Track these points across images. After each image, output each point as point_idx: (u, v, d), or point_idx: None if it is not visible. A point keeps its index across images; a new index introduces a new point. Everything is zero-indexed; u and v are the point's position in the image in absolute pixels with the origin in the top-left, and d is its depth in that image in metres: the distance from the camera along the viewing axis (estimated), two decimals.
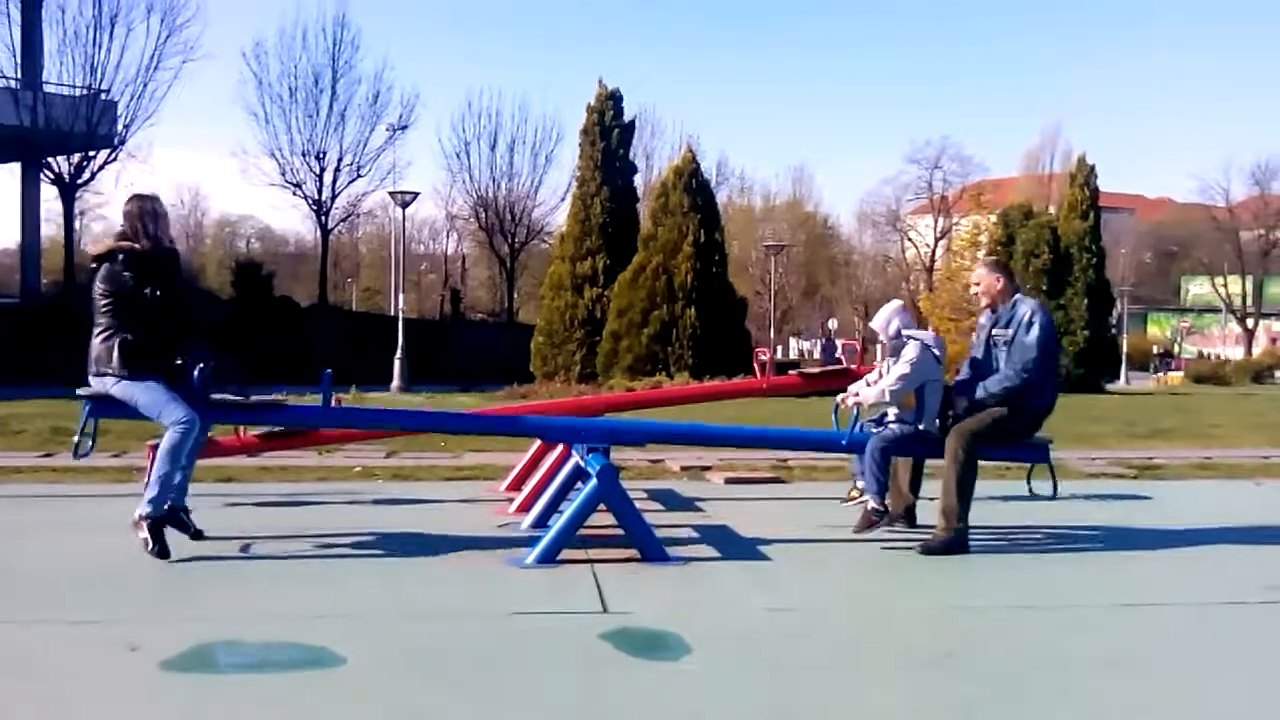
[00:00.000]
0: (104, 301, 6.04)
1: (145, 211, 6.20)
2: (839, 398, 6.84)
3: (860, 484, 6.53)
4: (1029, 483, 6.67)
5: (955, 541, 6.29)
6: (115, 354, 5.96)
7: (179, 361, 6.12)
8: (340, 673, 4.03)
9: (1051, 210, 41.06)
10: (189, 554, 6.11)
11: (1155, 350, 68.92)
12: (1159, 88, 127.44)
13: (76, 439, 6.13)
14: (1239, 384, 48.85)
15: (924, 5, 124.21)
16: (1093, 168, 36.38)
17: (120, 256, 6.06)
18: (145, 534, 5.91)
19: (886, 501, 6.59)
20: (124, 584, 5.44)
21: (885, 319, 6.78)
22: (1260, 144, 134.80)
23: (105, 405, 6.11)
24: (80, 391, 6.18)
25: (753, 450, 11.51)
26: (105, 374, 6.01)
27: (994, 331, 6.61)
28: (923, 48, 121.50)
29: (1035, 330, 6.44)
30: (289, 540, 6.56)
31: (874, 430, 6.62)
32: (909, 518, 6.92)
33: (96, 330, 6.06)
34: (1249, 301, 75.23)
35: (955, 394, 6.63)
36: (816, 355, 41.64)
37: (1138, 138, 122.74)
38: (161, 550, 5.89)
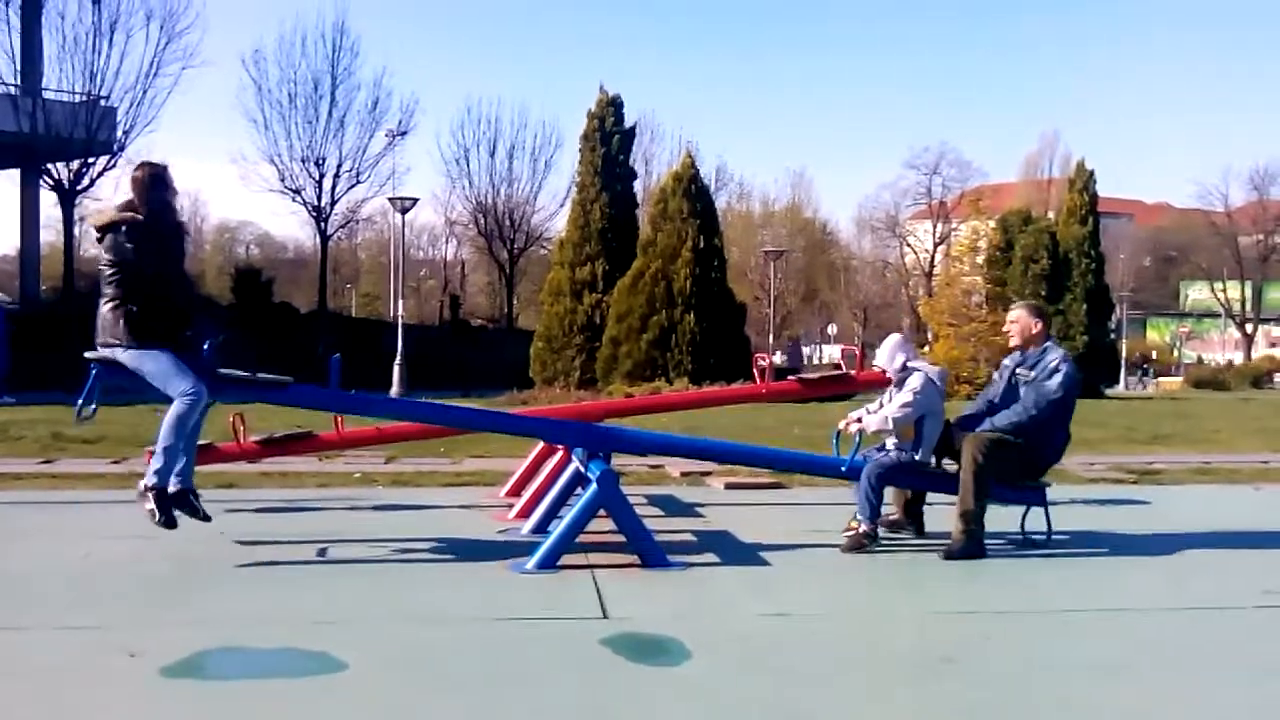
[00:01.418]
0: (109, 271, 6.05)
1: (152, 180, 6.18)
2: (840, 424, 6.88)
3: (859, 515, 6.57)
4: (1023, 529, 6.71)
5: (973, 545, 6.32)
6: (121, 323, 5.96)
7: (188, 333, 6.12)
8: (341, 678, 4.03)
9: (1050, 216, 41.11)
10: (189, 559, 6.12)
11: (1136, 356, 67.50)
12: (1158, 93, 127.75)
13: (80, 400, 6.07)
14: (1238, 389, 48.87)
15: (923, 11, 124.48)
16: (1091, 173, 36.43)
17: (123, 227, 6.05)
18: (151, 504, 5.90)
19: (881, 520, 6.70)
20: (124, 590, 5.45)
21: (890, 354, 6.85)
22: (1259, 149, 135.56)
23: (112, 370, 6.09)
24: (88, 354, 6.15)
25: None
26: (112, 343, 6.00)
27: (1018, 371, 6.69)
28: (922, 53, 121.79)
29: (1059, 377, 6.52)
30: (289, 546, 6.57)
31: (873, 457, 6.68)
32: (918, 526, 6.93)
33: (103, 299, 6.06)
34: (1248, 306, 75.26)
35: (957, 428, 6.70)
36: (777, 360, 41.59)
37: (1137, 143, 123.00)
38: (168, 520, 5.88)
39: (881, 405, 6.85)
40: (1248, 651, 4.63)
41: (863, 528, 6.47)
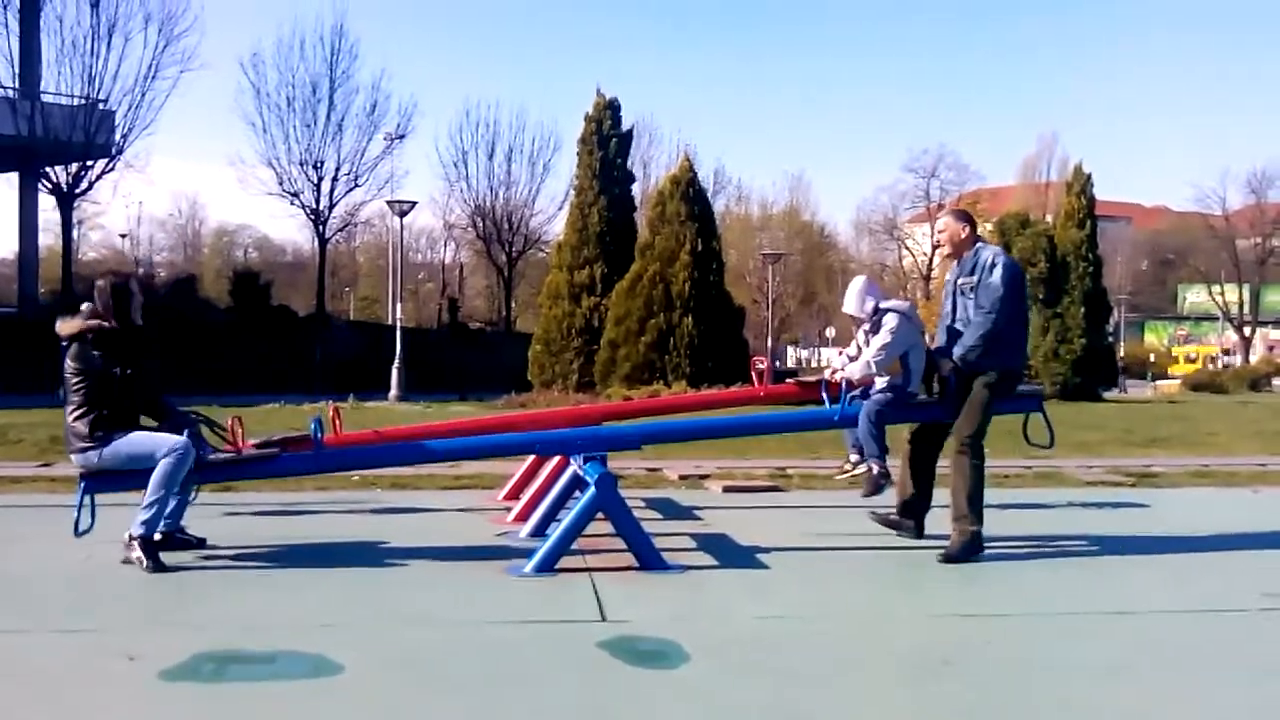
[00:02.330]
0: (75, 380, 6.11)
1: (116, 291, 6.29)
2: (826, 373, 6.91)
3: (854, 457, 6.60)
4: (1025, 434, 6.66)
5: (971, 545, 6.33)
6: (88, 427, 6.02)
7: (159, 426, 6.29)
8: (339, 681, 4.03)
9: (1048, 219, 41.14)
10: (187, 564, 6.12)
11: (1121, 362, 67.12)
12: (1155, 96, 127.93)
13: (76, 516, 6.05)
14: (1236, 392, 48.88)
15: (921, 14, 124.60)
16: (1089, 176, 36.40)
17: (89, 336, 6.12)
18: (138, 553, 5.95)
19: (880, 518, 6.78)
20: (122, 594, 5.45)
21: (858, 297, 6.87)
22: (1256, 152, 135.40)
23: (99, 481, 6.11)
24: (74, 468, 6.20)
25: (749, 452, 11.54)
26: (84, 448, 6.05)
27: (959, 281, 6.62)
28: (920, 56, 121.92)
29: (999, 270, 6.41)
30: (287, 549, 6.57)
31: (864, 400, 6.70)
32: (919, 528, 6.92)
33: (69, 409, 6.11)
34: (1246, 309, 75.33)
35: (938, 357, 6.66)
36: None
37: (1134, 146, 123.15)
38: (156, 565, 5.93)
39: (860, 350, 6.85)
40: (1247, 653, 4.63)
41: (875, 469, 6.47)
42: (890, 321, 6.63)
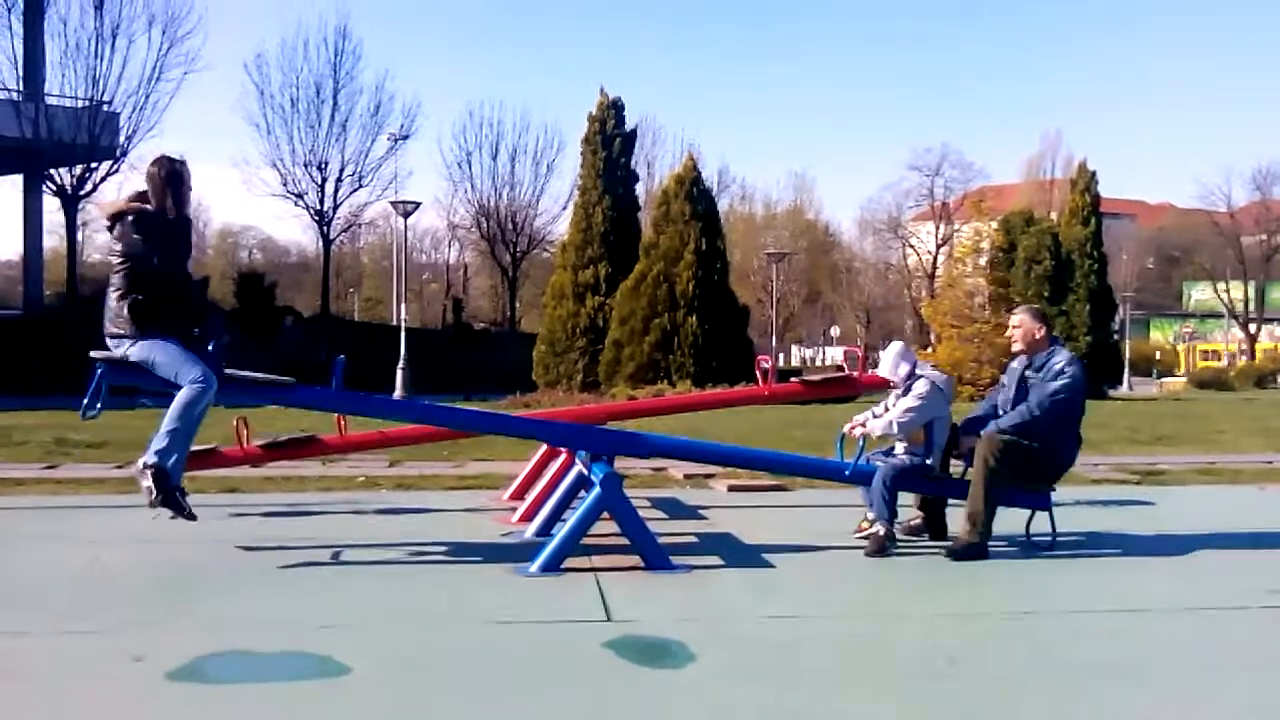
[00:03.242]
0: (117, 261, 6.05)
1: (167, 175, 6.15)
2: (845, 427, 6.87)
3: (870, 514, 6.56)
4: (1028, 533, 6.70)
5: (978, 546, 6.33)
6: (127, 314, 5.95)
7: (195, 331, 6.11)
8: (345, 682, 4.03)
9: (1053, 216, 41.11)
10: (192, 564, 6.13)
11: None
12: (1160, 93, 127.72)
13: (85, 401, 6.03)
14: (1242, 389, 48.81)
15: (925, 11, 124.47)
16: (1094, 174, 36.43)
17: (130, 217, 6.04)
18: (149, 482, 5.83)
19: (903, 524, 6.78)
20: (128, 595, 5.45)
21: (893, 363, 6.84)
22: (1261, 149, 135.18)
23: (117, 370, 6.07)
24: (95, 354, 6.13)
25: None
26: (121, 335, 5.98)
27: (1027, 374, 6.68)
28: (924, 54, 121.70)
29: (1063, 379, 6.51)
30: (293, 550, 6.57)
31: (880, 462, 6.68)
32: (937, 528, 6.91)
33: (111, 289, 6.06)
34: (1251, 306, 75.20)
35: (964, 431, 6.70)
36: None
37: (1139, 143, 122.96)
38: (165, 499, 5.82)
39: (887, 409, 6.84)
40: (1254, 651, 4.62)
41: (881, 531, 6.46)
42: (921, 387, 6.60)
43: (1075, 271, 34.87)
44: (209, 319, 6.38)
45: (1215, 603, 5.40)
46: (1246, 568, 6.31)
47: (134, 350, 5.97)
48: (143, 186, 6.23)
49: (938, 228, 68.46)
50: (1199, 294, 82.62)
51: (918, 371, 6.74)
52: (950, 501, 6.88)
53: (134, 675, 4.09)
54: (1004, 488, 6.44)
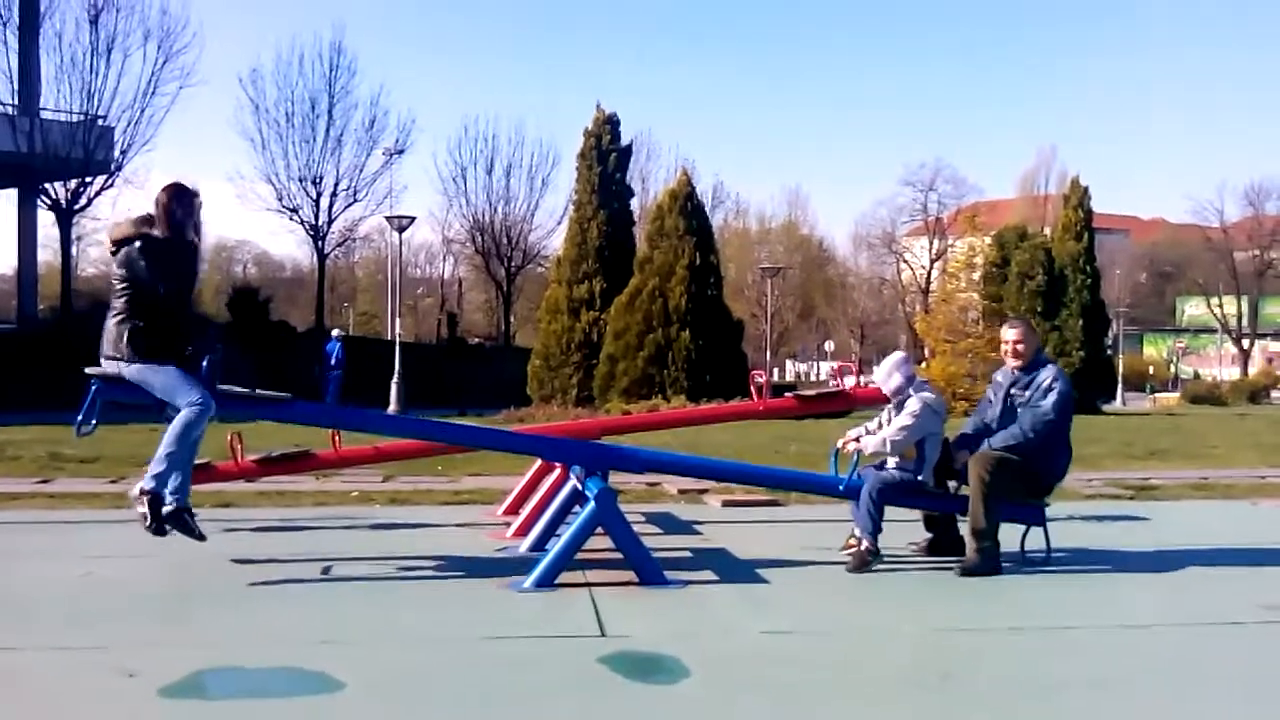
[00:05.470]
0: (120, 286, 6.04)
1: (176, 200, 6.16)
2: (839, 442, 6.88)
3: (858, 531, 6.56)
4: (1022, 549, 6.71)
5: (987, 561, 6.34)
6: (126, 339, 5.94)
7: (189, 350, 6.10)
8: (339, 698, 4.03)
9: (1046, 232, 41.19)
10: (187, 579, 6.12)
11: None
12: (1153, 109, 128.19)
13: (79, 417, 6.03)
14: (1235, 404, 48.89)
15: (919, 28, 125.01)
16: (1087, 189, 36.50)
17: (138, 244, 6.04)
18: (145, 508, 5.82)
19: (919, 545, 6.85)
20: (121, 610, 5.44)
21: (887, 372, 6.85)
22: (1254, 165, 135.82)
23: (112, 387, 6.07)
24: (90, 370, 6.13)
25: None
26: (116, 358, 5.98)
27: (1013, 391, 6.69)
28: (918, 70, 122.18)
29: (1053, 397, 6.54)
30: (287, 565, 6.56)
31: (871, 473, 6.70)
32: (941, 546, 6.91)
33: (111, 313, 6.05)
34: (1244, 322, 75.40)
35: (956, 447, 6.72)
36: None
37: (1132, 159, 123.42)
38: (159, 528, 5.82)
39: (881, 425, 6.85)
40: (1247, 667, 4.64)
41: (864, 545, 6.46)
42: (913, 405, 6.61)
43: (1068, 287, 34.93)
44: (201, 337, 6.38)
45: (1209, 618, 5.41)
46: (1240, 583, 6.32)
47: (130, 371, 5.98)
48: (147, 207, 6.25)
49: (931, 243, 68.64)
50: (1192, 309, 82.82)
51: (911, 390, 6.74)
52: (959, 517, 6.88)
53: (127, 690, 4.09)
54: (1003, 502, 6.46)
